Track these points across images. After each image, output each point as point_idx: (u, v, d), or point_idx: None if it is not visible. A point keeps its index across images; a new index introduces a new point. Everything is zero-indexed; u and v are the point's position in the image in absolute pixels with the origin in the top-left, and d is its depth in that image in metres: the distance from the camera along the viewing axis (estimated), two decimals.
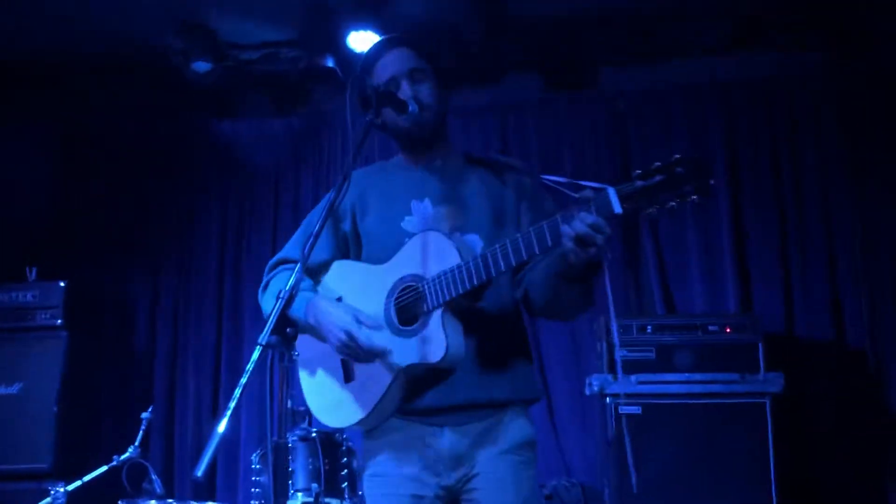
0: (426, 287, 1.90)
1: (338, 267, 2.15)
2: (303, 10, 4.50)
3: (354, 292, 2.06)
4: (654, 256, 4.59)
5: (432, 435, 1.98)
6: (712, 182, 1.63)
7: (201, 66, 4.63)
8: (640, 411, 3.82)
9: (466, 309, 1.92)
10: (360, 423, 2.00)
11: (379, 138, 4.81)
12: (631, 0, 4.46)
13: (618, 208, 1.66)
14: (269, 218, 4.93)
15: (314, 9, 4.48)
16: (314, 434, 3.25)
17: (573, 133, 4.81)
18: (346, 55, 4.50)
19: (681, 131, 4.71)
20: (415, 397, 1.97)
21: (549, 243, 1.77)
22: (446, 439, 1.97)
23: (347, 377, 2.03)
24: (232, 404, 1.48)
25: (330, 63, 4.54)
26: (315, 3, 4.45)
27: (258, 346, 1.59)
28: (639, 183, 1.66)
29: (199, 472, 1.45)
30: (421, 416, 1.98)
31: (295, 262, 2.15)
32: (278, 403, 1.53)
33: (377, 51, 2.11)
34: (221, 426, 1.50)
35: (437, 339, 1.86)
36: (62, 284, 4.30)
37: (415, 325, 1.92)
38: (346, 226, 2.15)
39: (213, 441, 1.47)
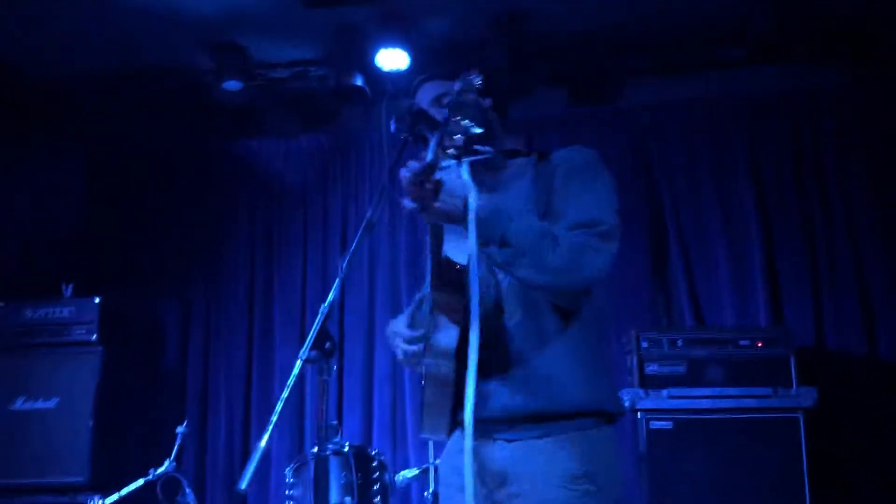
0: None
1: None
2: (331, 29, 4.56)
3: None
4: (683, 270, 4.59)
5: (482, 446, 1.89)
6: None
7: (232, 86, 4.71)
8: (671, 426, 3.80)
9: (454, 303, 1.88)
10: (425, 433, 1.98)
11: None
12: (655, 15, 4.48)
13: (430, 155, 1.69)
14: (299, 235, 4.99)
15: (342, 27, 4.54)
16: (346, 448, 3.27)
17: (598, 147, 4.79)
18: (374, 73, 4.55)
19: (704, 145, 4.72)
20: (462, 406, 1.91)
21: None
22: (494, 452, 1.91)
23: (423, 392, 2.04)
24: (274, 418, 1.51)
25: (359, 81, 4.58)
26: (343, 22, 4.51)
27: (299, 360, 1.61)
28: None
29: (244, 485, 1.47)
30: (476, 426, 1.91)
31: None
32: (317, 417, 1.54)
33: (419, 81, 2.16)
34: (264, 441, 1.52)
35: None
36: (97, 301, 4.37)
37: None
38: None
39: (256, 455, 1.50)
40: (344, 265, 1.77)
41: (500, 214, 1.76)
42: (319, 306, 1.60)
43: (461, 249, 1.84)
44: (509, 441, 1.90)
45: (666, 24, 4.55)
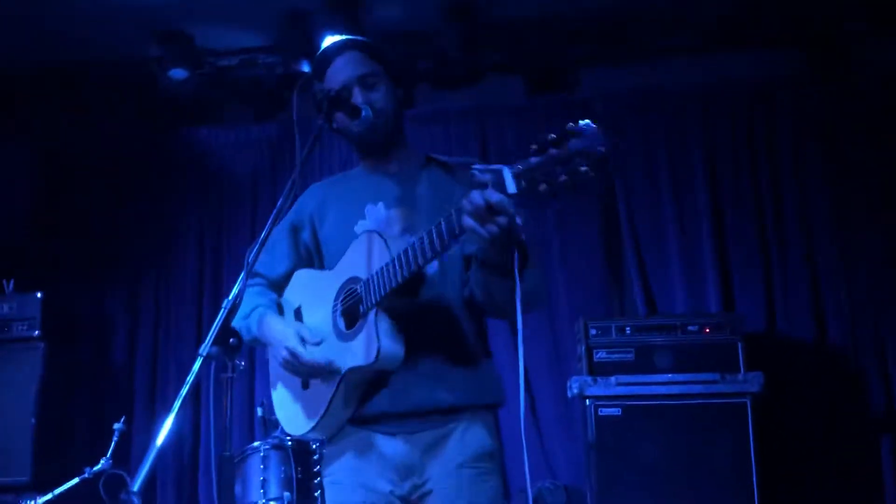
0: (362, 288, 1.89)
1: (297, 277, 2.15)
2: (280, 16, 4.48)
3: (310, 301, 2.06)
4: (635, 257, 4.58)
5: (384, 443, 1.95)
6: (602, 150, 1.50)
7: (178, 74, 4.63)
8: (620, 413, 3.81)
9: (406, 308, 1.88)
10: (312, 430, 1.99)
11: (345, 148, 4.83)
12: (610, 2, 4.46)
13: (512, 188, 1.57)
14: (247, 226, 4.90)
15: (290, 14, 4.47)
16: (288, 442, 3.23)
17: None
18: None
19: (659, 132, 4.71)
20: (367, 404, 1.95)
21: (458, 231, 1.69)
22: (398, 447, 1.94)
23: (304, 385, 2.04)
24: (170, 416, 1.46)
25: (306, 68, 4.52)
26: (291, 9, 4.44)
27: (199, 357, 1.57)
28: (533, 160, 1.56)
29: (136, 487, 1.42)
30: (373, 423, 1.96)
31: (261, 276, 2.18)
32: (219, 415, 1.50)
33: (326, 57, 2.09)
34: (160, 439, 1.47)
35: (370, 340, 1.85)
36: (39, 296, 4.28)
37: (353, 328, 1.91)
38: (306, 236, 2.15)
39: (151, 455, 1.45)
40: (250, 258, 1.72)
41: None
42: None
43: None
44: (412, 433, 1.94)
45: (621, 12, 4.54)
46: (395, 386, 1.92)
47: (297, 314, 2.11)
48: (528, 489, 1.86)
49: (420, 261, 1.76)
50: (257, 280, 2.18)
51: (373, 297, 1.85)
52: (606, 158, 1.51)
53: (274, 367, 2.11)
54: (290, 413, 2.07)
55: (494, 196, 1.61)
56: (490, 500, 1.95)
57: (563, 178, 1.52)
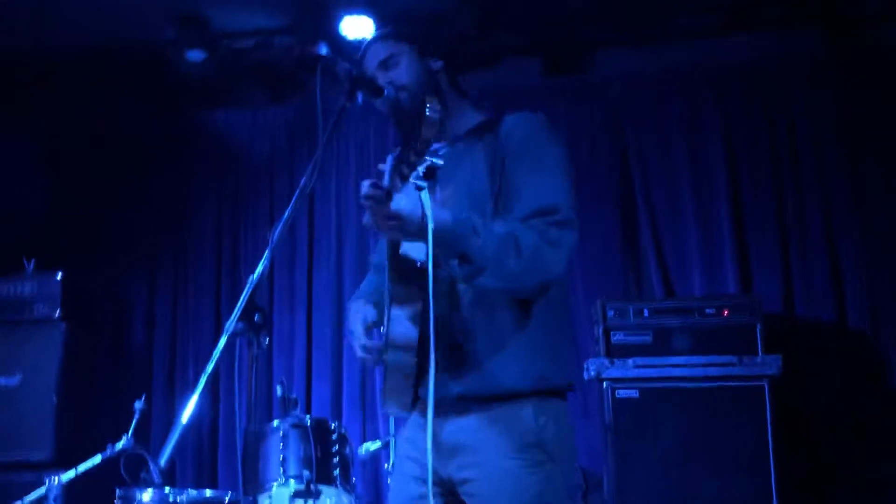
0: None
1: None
2: None
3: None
4: (652, 238, 4.57)
5: (437, 420, 1.83)
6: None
7: (195, 56, 4.64)
8: (637, 395, 3.80)
9: (413, 295, 1.87)
10: (385, 408, 2.01)
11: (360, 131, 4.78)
12: None
13: (385, 181, 1.67)
14: (265, 208, 4.93)
15: None
16: (307, 421, 3.25)
17: (569, 116, 4.77)
18: (338, 42, 4.48)
19: (675, 114, 4.68)
20: (423, 382, 1.88)
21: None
22: (446, 429, 1.91)
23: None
24: (196, 393, 1.47)
25: (323, 50, 4.51)
26: None
27: (224, 335, 1.58)
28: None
29: (163, 462, 1.44)
30: (423, 405, 1.91)
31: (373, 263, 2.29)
32: (247, 391, 1.51)
33: (357, 60, 2.11)
34: (185, 416, 1.49)
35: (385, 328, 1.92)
36: (59, 276, 4.31)
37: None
38: None
39: (176, 431, 1.46)
40: (275, 236, 1.73)
41: (460, 231, 1.74)
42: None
43: (419, 247, 1.83)
44: (460, 414, 1.90)
45: None
46: (451, 369, 1.88)
47: None
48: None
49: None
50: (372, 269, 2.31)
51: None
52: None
53: None
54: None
55: (363, 188, 1.65)
56: (537, 492, 1.85)
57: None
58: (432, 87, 2.03)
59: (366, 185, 1.63)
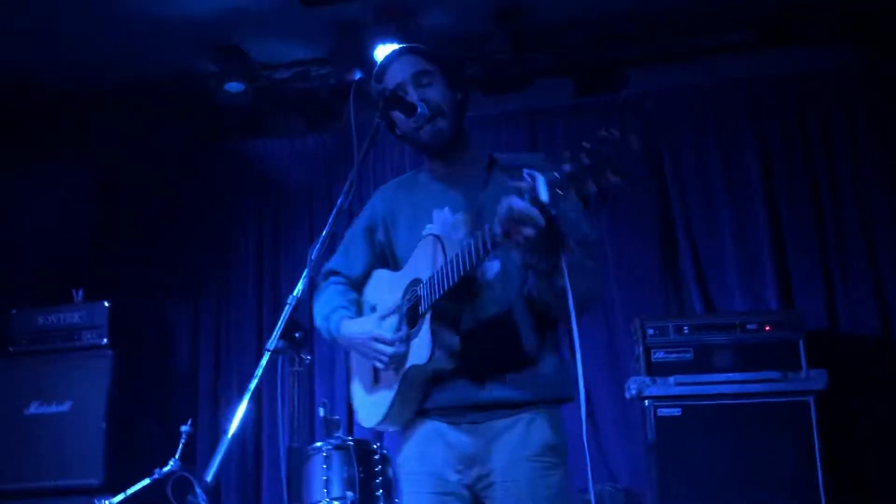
0: (421, 290, 1.95)
1: (375, 277, 2.23)
2: (330, 27, 4.57)
3: (384, 300, 2.12)
4: (690, 255, 4.54)
5: (449, 432, 1.98)
6: (624, 166, 1.54)
7: (234, 88, 4.76)
8: (679, 413, 3.77)
9: (466, 309, 1.92)
10: (381, 422, 2.06)
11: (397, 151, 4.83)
12: (656, 1, 4.43)
13: (544, 196, 1.61)
14: (305, 234, 5.00)
15: (340, 25, 4.55)
16: (350, 442, 3.28)
17: None
18: (373, 69, 4.55)
19: (711, 131, 4.67)
20: (431, 398, 2.00)
21: (489, 236, 1.75)
22: (462, 437, 1.98)
23: (375, 380, 2.11)
24: (240, 408, 1.51)
25: (358, 77, 4.59)
26: (341, 19, 4.52)
27: (266, 352, 1.62)
28: (566, 167, 1.58)
29: (209, 478, 1.47)
30: (440, 413, 2.00)
31: (342, 274, 2.26)
32: (290, 408, 1.55)
33: (383, 66, 2.14)
34: (231, 431, 1.53)
35: (426, 340, 1.90)
36: (106, 304, 4.42)
37: (415, 328, 1.96)
38: (381, 236, 2.22)
39: (223, 445, 1.50)
40: (313, 256, 1.77)
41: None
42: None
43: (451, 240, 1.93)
44: (481, 422, 1.97)
45: (669, 10, 4.51)
46: (457, 382, 1.96)
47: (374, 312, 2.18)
48: (591, 493, 1.80)
49: (466, 266, 1.81)
50: (339, 279, 2.26)
51: (429, 299, 1.90)
52: (631, 166, 1.54)
53: (355, 364, 2.20)
54: (365, 408, 2.15)
55: (518, 204, 1.66)
56: (554, 494, 1.95)
57: (592, 188, 1.56)
58: (461, 117, 2.11)
59: (523, 204, 1.65)
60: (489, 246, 1.75)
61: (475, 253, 1.78)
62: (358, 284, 2.23)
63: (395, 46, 4.54)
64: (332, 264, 2.28)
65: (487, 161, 2.15)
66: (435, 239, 1.94)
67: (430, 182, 2.18)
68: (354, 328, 2.07)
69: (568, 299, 1.74)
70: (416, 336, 1.95)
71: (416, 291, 1.97)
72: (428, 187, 2.17)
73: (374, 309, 2.15)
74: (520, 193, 1.66)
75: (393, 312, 2.02)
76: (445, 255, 1.87)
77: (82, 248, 4.97)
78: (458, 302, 1.90)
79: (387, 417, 2.03)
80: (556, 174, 1.59)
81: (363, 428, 2.23)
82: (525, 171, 1.67)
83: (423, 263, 1.96)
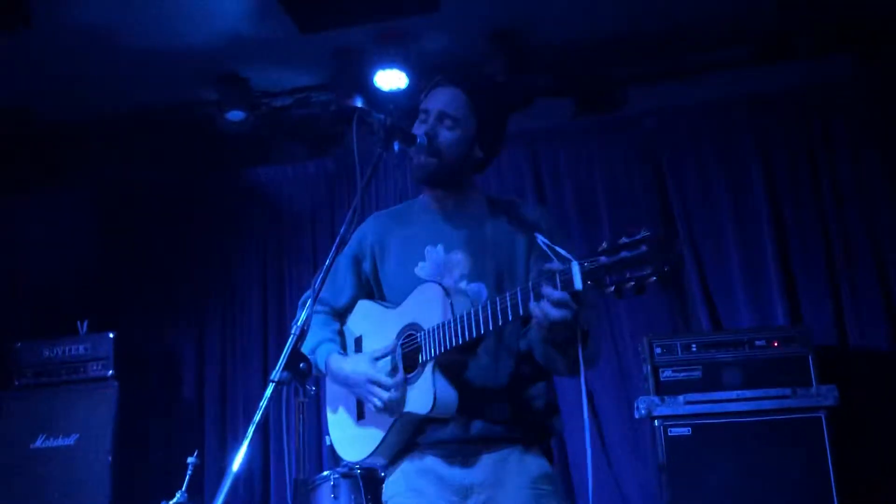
0: (422, 339, 1.93)
1: (359, 307, 2.19)
2: (329, 54, 4.59)
3: (372, 333, 2.11)
4: (696, 272, 4.52)
5: (442, 467, 1.97)
6: (667, 269, 1.54)
7: (235, 116, 4.78)
8: (689, 432, 3.73)
9: (463, 358, 1.92)
10: (366, 458, 2.04)
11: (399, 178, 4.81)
12: (655, 19, 4.45)
13: (579, 285, 1.62)
14: (308, 260, 5.00)
15: (340, 51, 4.58)
16: (357, 470, 3.25)
17: (604, 154, 4.79)
18: (373, 95, 4.58)
19: (713, 147, 4.66)
20: (424, 434, 1.99)
21: (521, 312, 1.76)
22: (456, 471, 1.96)
23: (360, 415, 2.09)
24: (245, 442, 1.49)
25: (359, 103, 4.61)
26: (340, 46, 4.55)
27: (270, 383, 1.60)
28: (602, 259, 1.60)
29: None
30: (432, 447, 1.99)
31: (326, 304, 2.22)
32: (296, 439, 1.53)
33: (439, 82, 2.11)
34: (235, 464, 1.51)
35: (427, 391, 1.89)
36: (111, 335, 4.42)
37: (412, 374, 1.94)
38: (367, 266, 2.19)
39: (227, 480, 1.48)
40: (317, 283, 1.76)
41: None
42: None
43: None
44: (470, 457, 1.97)
45: (668, 28, 4.52)
46: (450, 421, 1.95)
47: (358, 343, 2.16)
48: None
49: (482, 329, 1.81)
50: (323, 308, 2.22)
51: (432, 350, 1.89)
52: (675, 271, 1.55)
53: (331, 396, 2.17)
54: (346, 438, 2.13)
55: (556, 295, 1.66)
56: None
57: (630, 283, 1.56)
58: (464, 170, 2.10)
59: (559, 294, 1.67)
60: (511, 318, 1.77)
61: (495, 319, 1.78)
62: (341, 314, 2.22)
63: (394, 72, 4.56)
64: (321, 293, 2.26)
65: (486, 200, 2.15)
66: (442, 290, 1.92)
67: (423, 214, 2.16)
68: (347, 367, 2.05)
69: (580, 374, 1.78)
70: (414, 383, 1.94)
71: (416, 339, 1.95)
72: (422, 218, 2.15)
73: (359, 339, 2.13)
74: (552, 275, 1.67)
75: (387, 354, 2.00)
76: (454, 310, 1.87)
77: (86, 279, 4.97)
78: (462, 354, 1.91)
79: (375, 452, 2.02)
80: (589, 264, 1.61)
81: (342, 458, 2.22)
82: (560, 251, 1.69)
83: (424, 310, 1.94)
